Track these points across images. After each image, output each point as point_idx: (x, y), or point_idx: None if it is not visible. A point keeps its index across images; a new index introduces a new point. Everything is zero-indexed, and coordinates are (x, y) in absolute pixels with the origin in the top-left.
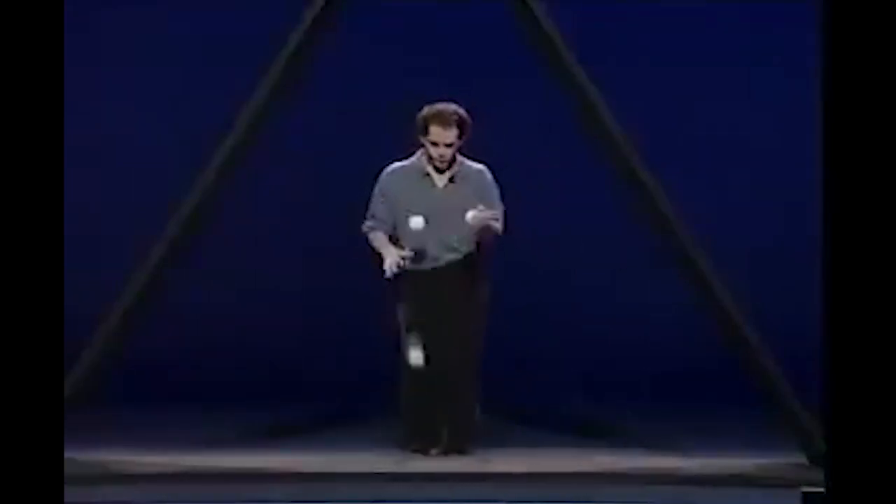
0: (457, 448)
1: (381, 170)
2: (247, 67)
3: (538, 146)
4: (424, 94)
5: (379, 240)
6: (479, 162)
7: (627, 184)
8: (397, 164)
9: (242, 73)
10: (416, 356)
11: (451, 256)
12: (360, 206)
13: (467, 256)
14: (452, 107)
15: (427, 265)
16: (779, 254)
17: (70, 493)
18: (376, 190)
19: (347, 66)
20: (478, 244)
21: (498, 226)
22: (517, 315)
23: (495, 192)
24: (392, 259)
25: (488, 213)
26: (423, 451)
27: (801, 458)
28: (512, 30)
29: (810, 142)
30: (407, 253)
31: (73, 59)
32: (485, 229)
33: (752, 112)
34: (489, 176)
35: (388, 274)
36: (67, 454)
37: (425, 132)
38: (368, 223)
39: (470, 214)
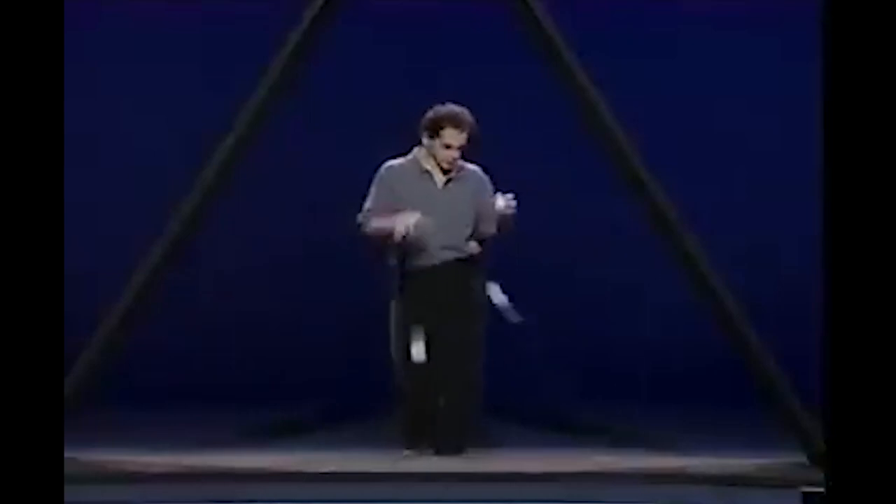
0: (452, 449)
1: (378, 166)
2: (247, 67)
3: (538, 145)
4: (425, 94)
5: (379, 220)
6: (473, 162)
7: (628, 183)
8: (395, 161)
9: (242, 73)
10: (417, 351)
11: (450, 255)
12: (362, 207)
13: (466, 255)
14: (465, 111)
15: (425, 263)
16: (779, 253)
17: (70, 493)
18: (375, 184)
19: (347, 67)
20: (480, 242)
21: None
22: (521, 316)
23: (491, 191)
24: (406, 221)
25: (513, 204)
26: (418, 450)
27: (801, 458)
28: (512, 29)
29: (811, 141)
30: (421, 220)
31: (74, 59)
32: (505, 219)
33: (753, 112)
34: (482, 175)
35: (403, 233)
36: (67, 454)
37: (436, 134)
38: (362, 216)
39: (501, 203)
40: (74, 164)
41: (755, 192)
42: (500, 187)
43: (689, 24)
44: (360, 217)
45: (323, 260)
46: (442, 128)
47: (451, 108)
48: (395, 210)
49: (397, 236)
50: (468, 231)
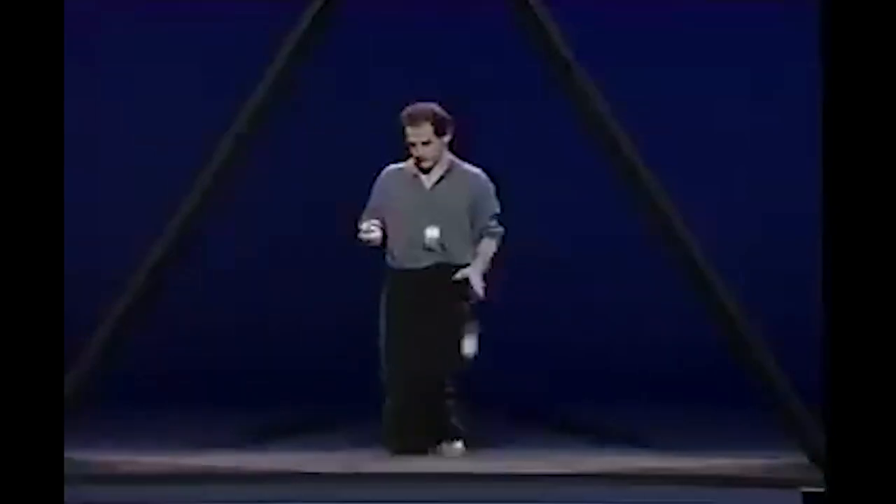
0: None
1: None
2: (247, 67)
3: (538, 145)
4: (425, 94)
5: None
6: (477, 165)
7: (628, 183)
8: (394, 166)
9: (242, 74)
10: (469, 345)
11: (437, 258)
12: (360, 207)
13: (454, 259)
14: (423, 105)
15: (410, 266)
16: (779, 253)
17: (69, 493)
18: (373, 190)
19: (348, 66)
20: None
21: (480, 270)
22: (518, 315)
23: (490, 195)
24: (367, 226)
25: (474, 279)
26: (415, 452)
27: (802, 458)
28: (513, 31)
29: (811, 141)
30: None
31: (74, 59)
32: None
33: (753, 112)
34: (484, 179)
35: (361, 235)
36: (67, 454)
37: (403, 135)
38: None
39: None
40: (74, 164)
41: (755, 192)
42: (500, 187)
43: (689, 23)
44: (359, 224)
45: (323, 260)
46: (403, 128)
47: (409, 106)
48: (380, 214)
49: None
50: (459, 234)
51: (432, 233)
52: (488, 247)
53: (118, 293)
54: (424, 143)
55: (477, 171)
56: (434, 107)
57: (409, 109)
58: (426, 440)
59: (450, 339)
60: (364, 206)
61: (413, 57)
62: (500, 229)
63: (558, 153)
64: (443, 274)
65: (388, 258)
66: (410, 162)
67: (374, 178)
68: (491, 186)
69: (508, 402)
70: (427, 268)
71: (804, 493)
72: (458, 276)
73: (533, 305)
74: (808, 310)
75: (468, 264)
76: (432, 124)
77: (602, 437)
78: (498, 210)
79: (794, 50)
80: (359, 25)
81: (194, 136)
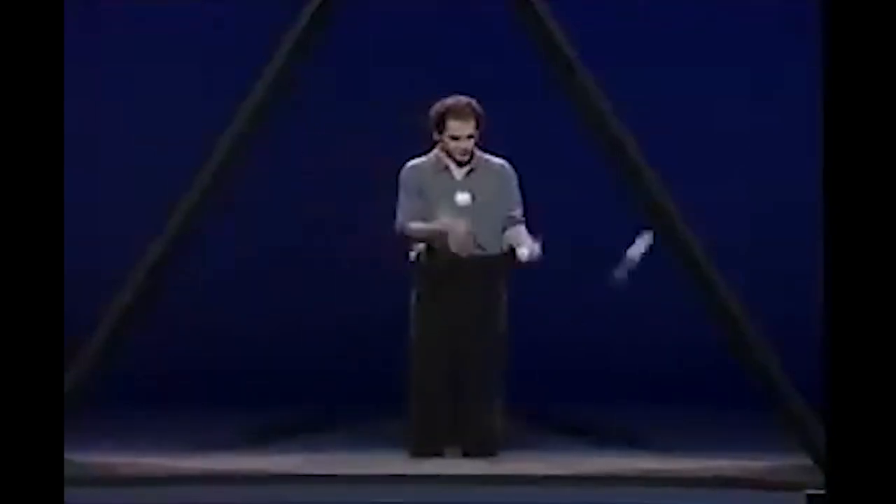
0: (483, 451)
1: (400, 168)
2: (247, 67)
3: (539, 146)
4: (426, 93)
5: (422, 226)
6: (499, 156)
7: (629, 183)
8: (416, 160)
9: (242, 73)
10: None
11: (468, 249)
12: (361, 207)
13: (489, 251)
14: (466, 99)
15: (445, 259)
16: (779, 253)
17: (70, 494)
18: (401, 188)
19: (348, 65)
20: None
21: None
22: (518, 315)
23: (514, 185)
24: (457, 227)
25: (535, 248)
26: (434, 454)
27: (806, 460)
28: (513, 31)
29: (811, 141)
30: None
31: (74, 59)
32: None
33: (753, 112)
34: (509, 168)
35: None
36: (66, 455)
37: (442, 128)
38: (400, 220)
39: (524, 254)
40: (74, 164)
41: (755, 192)
42: (520, 178)
43: (690, 24)
44: (396, 225)
45: (323, 260)
46: (446, 121)
47: (453, 99)
48: (423, 210)
49: (456, 248)
50: (491, 225)
51: (464, 197)
52: (521, 230)
53: (118, 293)
54: (468, 137)
55: (502, 161)
56: (473, 101)
57: (452, 103)
58: (452, 443)
59: (488, 333)
60: (395, 207)
61: (413, 57)
62: (523, 219)
63: (559, 153)
64: (476, 266)
65: (419, 256)
66: (433, 156)
67: (396, 175)
68: (515, 176)
69: (508, 402)
70: (463, 261)
71: (808, 496)
72: (520, 257)
73: (533, 305)
74: (808, 310)
75: (499, 254)
76: (475, 119)
77: (602, 438)
78: (520, 199)
79: (794, 50)
80: (359, 25)
81: (194, 136)
